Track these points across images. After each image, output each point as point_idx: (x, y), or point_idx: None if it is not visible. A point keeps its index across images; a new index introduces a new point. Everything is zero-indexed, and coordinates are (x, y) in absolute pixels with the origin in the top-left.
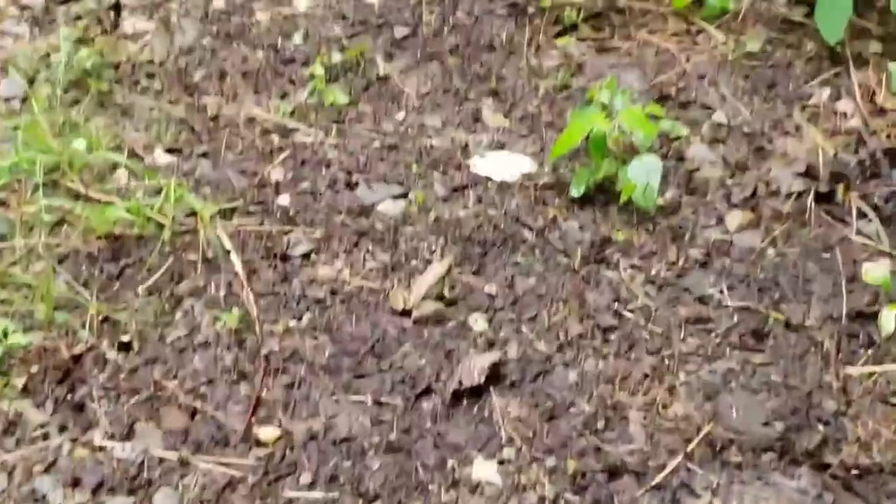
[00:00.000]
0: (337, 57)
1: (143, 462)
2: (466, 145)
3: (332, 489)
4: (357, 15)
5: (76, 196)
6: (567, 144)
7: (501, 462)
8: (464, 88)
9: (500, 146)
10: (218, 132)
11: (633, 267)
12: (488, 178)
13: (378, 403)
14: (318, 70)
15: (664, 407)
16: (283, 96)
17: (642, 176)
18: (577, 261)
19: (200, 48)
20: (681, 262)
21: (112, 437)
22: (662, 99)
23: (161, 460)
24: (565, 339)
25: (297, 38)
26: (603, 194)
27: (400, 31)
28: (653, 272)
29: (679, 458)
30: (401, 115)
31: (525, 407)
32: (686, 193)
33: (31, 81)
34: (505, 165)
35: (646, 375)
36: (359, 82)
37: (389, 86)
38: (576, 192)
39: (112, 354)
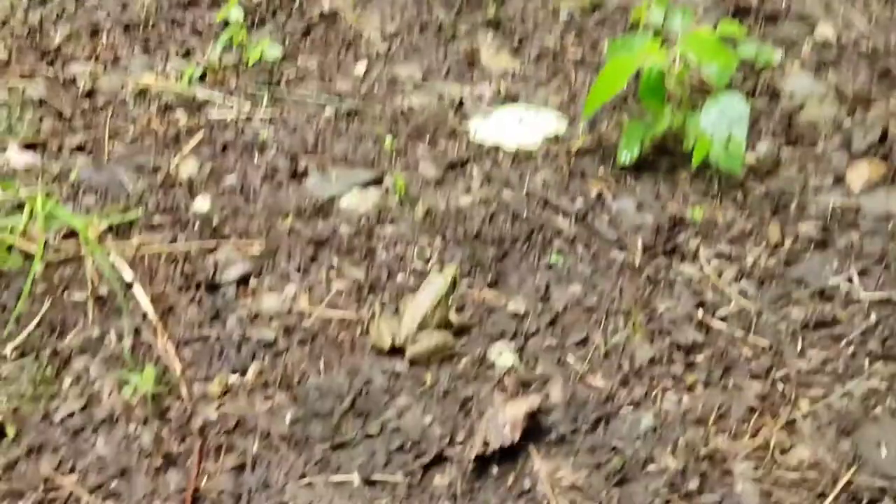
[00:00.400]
0: None
1: None
2: (461, 102)
3: None
4: None
5: None
6: (607, 91)
7: None
8: (450, 21)
9: (511, 99)
10: (96, 115)
11: (719, 256)
12: (497, 148)
13: (370, 483)
14: (234, 12)
15: (782, 452)
16: (187, 54)
17: (721, 125)
18: (638, 254)
19: None
20: (787, 244)
21: None
22: (740, 12)
23: None
24: (630, 368)
25: None
26: (666, 157)
27: None
28: (749, 261)
29: None
30: (361, 67)
31: (582, 469)
32: (787, 144)
33: None
34: (520, 126)
35: (752, 410)
36: (295, 25)
37: (340, 27)
38: (627, 155)
39: None
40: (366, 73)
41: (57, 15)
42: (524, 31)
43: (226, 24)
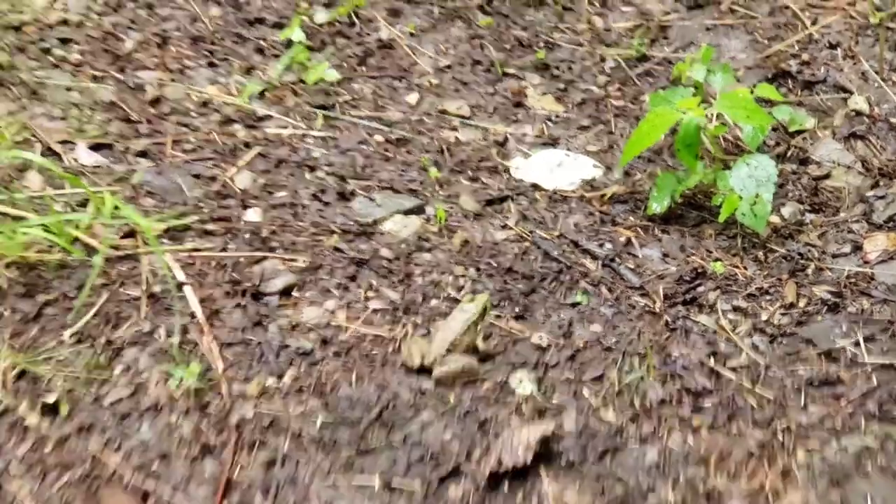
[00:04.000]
0: (322, 16)
1: None
2: (504, 140)
3: None
4: None
5: None
6: (645, 141)
7: None
8: (500, 60)
9: (552, 142)
10: (161, 122)
11: (736, 310)
12: (535, 187)
13: (389, 489)
14: (297, 34)
15: (776, 496)
16: (249, 71)
17: (750, 185)
18: (660, 301)
19: (132, 3)
20: (801, 305)
21: None
22: (779, 77)
23: None
24: (642, 406)
25: None
26: (695, 210)
27: None
28: (763, 318)
29: None
30: (413, 98)
31: (588, 495)
32: (810, 210)
33: None
34: (559, 169)
35: (751, 455)
36: (354, 51)
37: (396, 56)
38: (657, 206)
39: (33, 419)
40: (417, 103)
41: (130, 21)
42: (570, 76)
43: (288, 44)
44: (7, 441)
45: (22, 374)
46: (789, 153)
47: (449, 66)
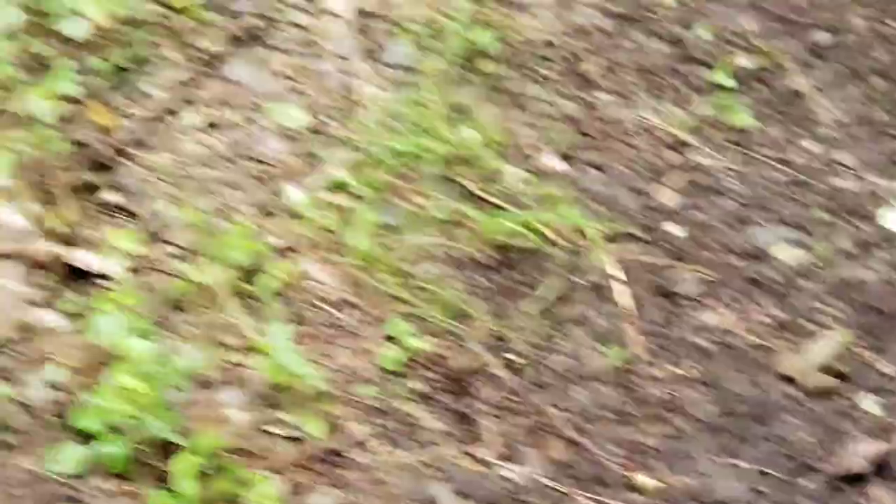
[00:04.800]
0: (744, 61)
1: (527, 487)
2: (880, 193)
3: None
4: (775, 5)
5: (467, 195)
6: None
7: None
8: (885, 121)
9: None
10: (609, 139)
11: None
12: None
13: (759, 473)
14: (723, 78)
15: None
16: (678, 103)
17: None
18: None
19: (595, 30)
20: None
21: (499, 456)
22: None
23: (545, 488)
24: None
25: (700, 30)
26: None
27: (821, 36)
28: None
29: None
30: (811, 146)
31: None
32: None
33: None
34: None
35: None
36: (767, 97)
37: (802, 106)
38: None
39: (502, 373)
40: (815, 151)
41: (592, 47)
42: None
43: (714, 86)
44: (482, 388)
45: (495, 336)
46: None
47: (846, 124)
